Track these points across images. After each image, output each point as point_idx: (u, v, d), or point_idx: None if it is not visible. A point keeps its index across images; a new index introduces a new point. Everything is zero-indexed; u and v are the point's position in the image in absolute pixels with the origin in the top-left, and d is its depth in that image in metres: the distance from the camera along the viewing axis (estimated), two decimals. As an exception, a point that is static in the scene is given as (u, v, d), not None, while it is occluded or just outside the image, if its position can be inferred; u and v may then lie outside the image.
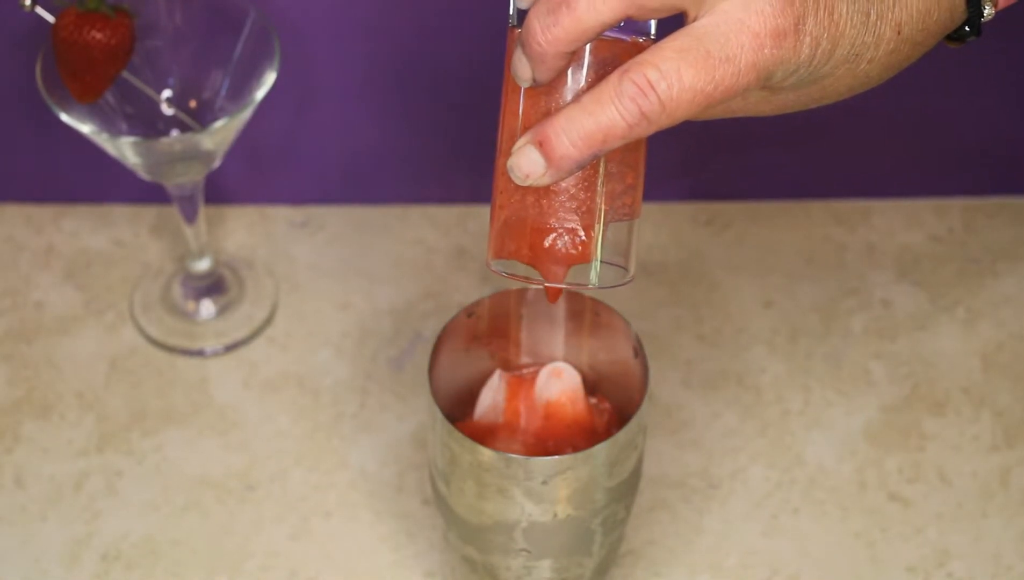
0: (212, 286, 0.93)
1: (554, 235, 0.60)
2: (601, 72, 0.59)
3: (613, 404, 0.75)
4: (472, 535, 0.71)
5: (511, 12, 0.60)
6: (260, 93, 0.81)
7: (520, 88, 0.60)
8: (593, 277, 0.61)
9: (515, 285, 0.73)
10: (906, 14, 0.60)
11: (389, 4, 0.88)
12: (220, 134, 0.81)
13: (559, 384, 0.73)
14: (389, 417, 0.88)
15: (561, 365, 0.74)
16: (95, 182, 0.97)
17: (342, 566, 0.82)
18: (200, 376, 0.90)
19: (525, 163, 0.57)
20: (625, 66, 0.56)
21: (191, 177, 0.85)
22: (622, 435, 0.67)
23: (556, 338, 0.75)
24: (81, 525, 0.83)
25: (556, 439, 0.73)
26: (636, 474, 0.72)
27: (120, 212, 0.98)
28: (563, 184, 0.60)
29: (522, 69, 0.58)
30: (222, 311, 0.93)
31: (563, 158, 0.57)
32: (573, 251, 0.60)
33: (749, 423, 0.87)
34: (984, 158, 0.97)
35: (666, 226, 0.97)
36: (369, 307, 0.93)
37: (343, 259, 0.96)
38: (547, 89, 0.59)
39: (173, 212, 0.95)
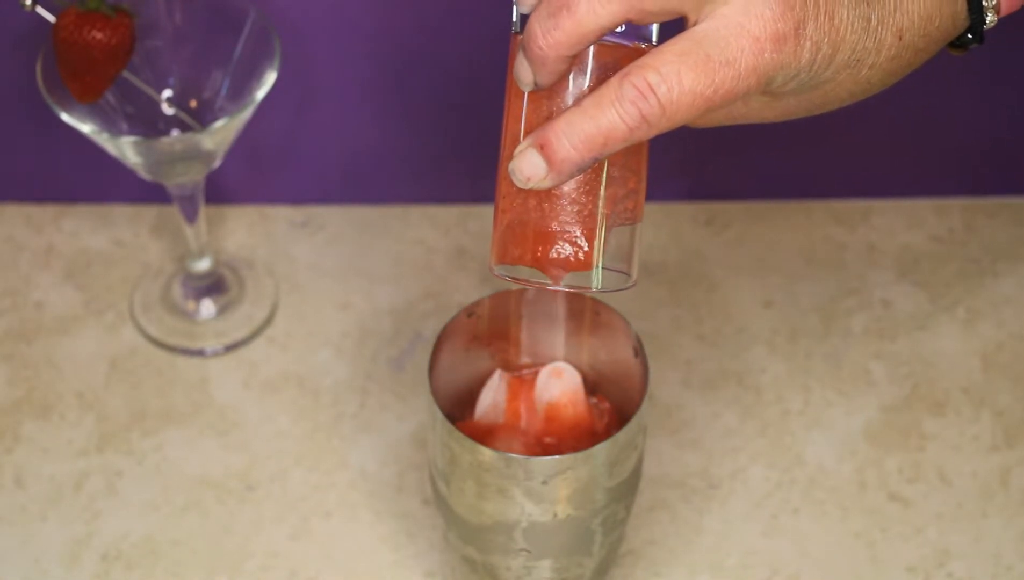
0: (212, 286, 0.93)
1: (556, 241, 0.60)
2: (603, 77, 0.59)
3: (613, 404, 0.75)
4: (472, 535, 0.71)
5: (514, 19, 0.60)
6: (260, 93, 0.81)
7: (523, 93, 0.60)
8: (595, 282, 0.61)
9: (514, 286, 0.73)
10: (907, 20, 0.60)
11: (389, 4, 0.88)
12: (220, 134, 0.81)
13: (559, 384, 0.73)
14: (389, 417, 0.88)
15: (561, 365, 0.74)
16: (95, 182, 0.97)
17: (342, 566, 0.82)
18: (200, 376, 0.90)
19: (527, 166, 0.57)
20: (625, 70, 0.56)
21: (191, 177, 0.85)
22: (622, 435, 0.67)
23: (556, 338, 0.75)
24: (81, 525, 0.83)
25: (557, 440, 0.73)
26: (636, 474, 0.72)
27: (120, 212, 0.98)
28: (565, 189, 0.60)
29: (524, 73, 0.58)
30: (222, 311, 0.93)
31: (564, 161, 0.57)
32: (575, 257, 0.60)
33: (749, 423, 0.87)
34: (984, 158, 0.97)
35: (666, 226, 0.97)
36: (369, 307, 0.93)
37: (343, 259, 0.96)
38: (549, 94, 0.59)
39: (173, 212, 0.95)
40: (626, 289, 0.62)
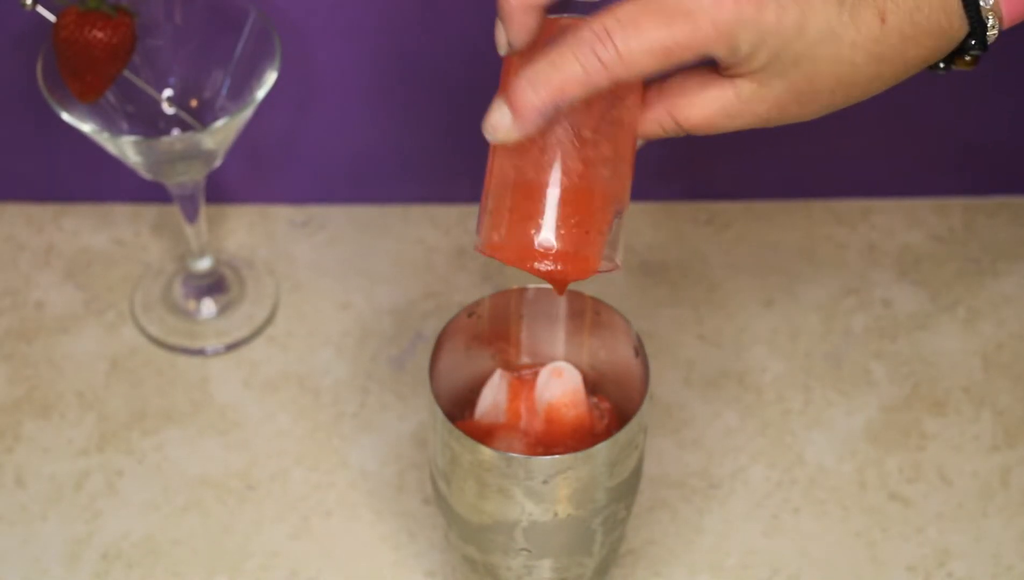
0: (213, 285, 0.93)
1: (538, 228, 0.61)
2: None
3: (613, 404, 0.75)
4: (473, 534, 0.71)
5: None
6: (261, 92, 0.81)
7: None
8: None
9: (515, 285, 0.73)
10: (891, 3, 0.61)
11: (389, 4, 0.88)
12: (221, 133, 0.81)
13: (560, 384, 0.73)
14: (390, 416, 0.88)
15: (562, 365, 0.74)
16: (96, 181, 0.97)
17: (342, 566, 0.82)
18: (201, 375, 0.90)
19: (495, 116, 0.59)
20: (587, 18, 0.58)
21: (192, 176, 0.85)
22: (623, 435, 0.67)
23: (557, 338, 0.75)
24: (81, 524, 0.83)
25: (557, 441, 0.73)
26: (636, 474, 0.72)
27: (121, 211, 0.98)
28: (551, 176, 0.60)
29: (499, 36, 0.60)
30: (223, 310, 0.93)
31: (525, 106, 0.58)
32: (560, 243, 0.61)
33: (749, 423, 0.87)
34: (985, 158, 0.97)
35: (666, 226, 0.97)
36: (370, 307, 0.93)
37: (344, 259, 0.96)
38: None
39: (174, 211, 0.95)
40: (609, 271, 0.63)
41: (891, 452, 0.86)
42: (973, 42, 0.63)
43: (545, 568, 0.72)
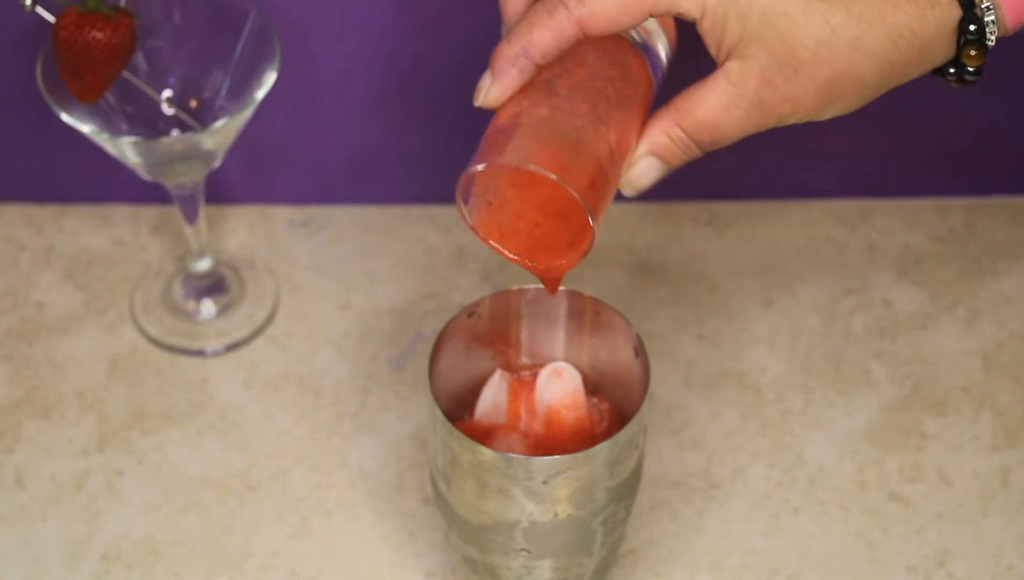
0: (213, 286, 0.93)
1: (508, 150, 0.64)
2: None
3: (614, 404, 0.75)
4: (473, 535, 0.71)
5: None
6: (261, 93, 0.81)
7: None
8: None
9: (515, 285, 0.73)
10: None
11: (389, 4, 0.88)
12: (221, 134, 0.81)
13: (560, 384, 0.73)
14: (390, 417, 0.88)
15: (562, 365, 0.74)
16: (95, 182, 0.97)
17: (342, 566, 0.82)
18: (200, 376, 0.90)
19: (480, 83, 0.65)
20: None
21: (192, 177, 0.85)
22: (623, 435, 0.67)
23: (557, 338, 0.75)
24: (81, 525, 0.83)
25: (557, 442, 0.73)
26: (637, 474, 0.72)
27: (121, 212, 0.98)
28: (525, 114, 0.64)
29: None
30: (223, 311, 0.93)
31: (499, 58, 0.64)
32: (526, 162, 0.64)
33: (749, 423, 0.87)
34: (985, 158, 0.97)
35: (666, 226, 0.97)
36: (370, 307, 0.93)
37: (344, 259, 0.96)
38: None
39: (174, 212, 0.95)
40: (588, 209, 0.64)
41: (891, 452, 0.86)
42: (972, 27, 0.63)
43: (545, 568, 0.72)
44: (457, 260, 0.95)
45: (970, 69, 0.65)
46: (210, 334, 0.91)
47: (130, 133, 0.84)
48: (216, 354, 0.91)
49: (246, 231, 0.97)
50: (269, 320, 0.92)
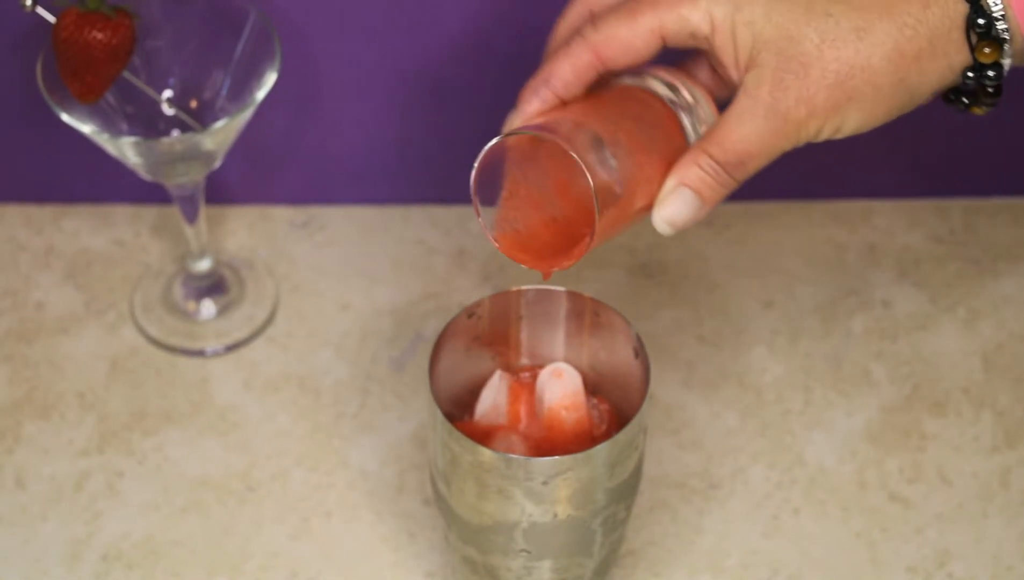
0: (213, 286, 0.93)
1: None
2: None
3: (613, 404, 0.75)
4: (472, 535, 0.71)
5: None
6: (261, 93, 0.81)
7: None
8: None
9: (515, 286, 0.73)
10: None
11: (389, 4, 0.88)
12: (221, 134, 0.81)
13: (560, 385, 0.73)
14: (390, 417, 0.88)
15: (562, 365, 0.74)
16: (95, 182, 0.97)
17: (342, 566, 0.82)
18: (200, 376, 0.90)
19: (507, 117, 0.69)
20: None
21: (192, 177, 0.85)
22: (623, 435, 0.67)
23: (556, 338, 0.75)
24: (81, 525, 0.83)
25: (557, 443, 0.73)
26: (636, 474, 0.72)
27: (121, 212, 0.98)
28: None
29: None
30: (223, 311, 0.93)
31: (523, 91, 0.68)
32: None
33: (749, 423, 0.87)
34: (985, 158, 0.97)
35: (666, 226, 0.97)
36: (370, 307, 0.93)
37: (344, 259, 0.96)
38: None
39: (174, 212, 0.95)
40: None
41: (891, 453, 0.86)
42: (981, 21, 0.63)
43: (545, 569, 0.72)
44: (457, 261, 0.95)
45: (989, 75, 0.65)
46: (210, 334, 0.92)
47: (130, 133, 0.84)
48: (216, 354, 0.91)
49: (246, 231, 0.97)
50: (269, 320, 0.92)
